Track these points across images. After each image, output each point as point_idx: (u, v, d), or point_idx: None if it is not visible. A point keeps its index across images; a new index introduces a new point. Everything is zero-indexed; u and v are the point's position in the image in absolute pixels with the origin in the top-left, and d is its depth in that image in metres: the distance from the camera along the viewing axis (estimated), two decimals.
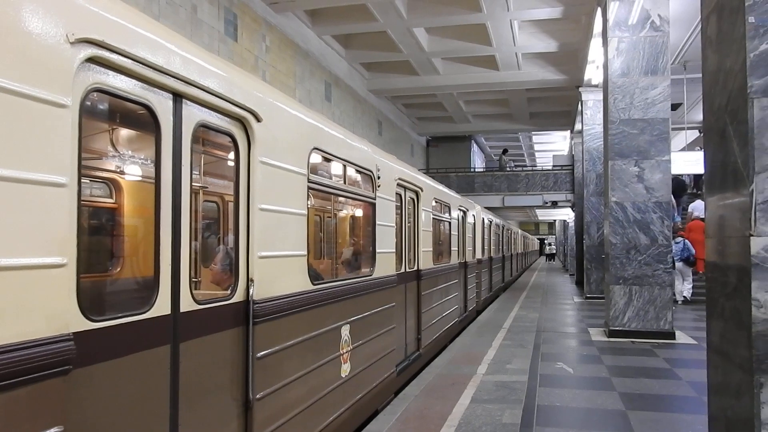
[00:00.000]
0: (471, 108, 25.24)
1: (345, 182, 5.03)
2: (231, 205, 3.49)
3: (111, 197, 4.30)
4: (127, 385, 2.48)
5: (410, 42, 16.54)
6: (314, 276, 4.29)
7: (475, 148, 34.18)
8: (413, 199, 7.78)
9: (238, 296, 3.29)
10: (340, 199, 6.09)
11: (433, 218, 8.66)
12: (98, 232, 4.29)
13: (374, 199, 5.74)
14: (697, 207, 15.12)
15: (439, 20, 15.32)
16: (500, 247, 19.55)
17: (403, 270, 7.13)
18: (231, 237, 3.46)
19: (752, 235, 2.91)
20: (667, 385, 6.77)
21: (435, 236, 8.98)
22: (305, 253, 4.06)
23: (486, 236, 15.38)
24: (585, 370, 7.59)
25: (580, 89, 17.82)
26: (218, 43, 11.56)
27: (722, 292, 3.33)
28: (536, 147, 38.69)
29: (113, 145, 3.82)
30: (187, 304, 2.83)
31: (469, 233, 12.53)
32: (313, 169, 4.29)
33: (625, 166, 9.75)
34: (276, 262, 3.64)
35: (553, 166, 28.96)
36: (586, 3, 13.15)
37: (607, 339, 9.67)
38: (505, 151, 30.25)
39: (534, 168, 35.40)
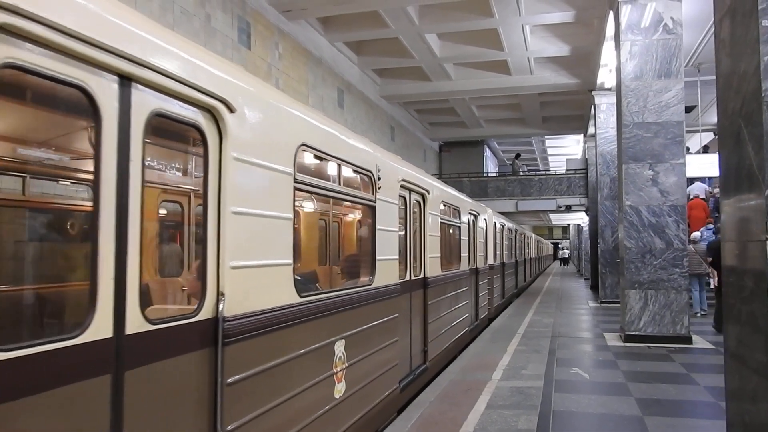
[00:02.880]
0: (483, 113, 25.21)
1: (340, 183, 4.56)
2: (199, 209, 3.06)
3: (25, 195, 3.84)
4: (51, 428, 2.05)
5: (422, 48, 16.58)
6: (302, 287, 3.88)
7: (488, 152, 34.10)
8: (419, 203, 7.30)
9: (206, 313, 2.84)
10: (335, 202, 5.78)
11: (441, 222, 8.25)
12: (9, 238, 3.80)
13: (374, 201, 5.28)
14: (694, 188, 15.72)
15: (450, 26, 15.36)
16: (513, 251, 19.12)
17: (408, 278, 6.70)
18: (197, 244, 3.14)
19: None
20: (684, 391, 6.71)
21: (443, 242, 8.60)
22: (291, 261, 3.60)
23: (498, 241, 14.93)
24: (601, 376, 7.53)
25: (593, 93, 17.74)
26: (232, 51, 11.68)
27: (739, 296, 3.31)
28: (549, 151, 38.53)
29: (38, 135, 3.40)
30: (135, 325, 2.39)
31: (480, 238, 12.04)
32: (302, 169, 3.85)
33: (639, 170, 9.69)
34: (254, 273, 3.20)
35: (567, 170, 28.80)
36: (598, 6, 13.11)
37: (622, 344, 9.60)
38: (517, 156, 30.17)
39: (547, 172, 35.26)
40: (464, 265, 9.94)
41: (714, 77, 3.80)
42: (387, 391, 5.56)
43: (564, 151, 36.28)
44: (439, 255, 7.99)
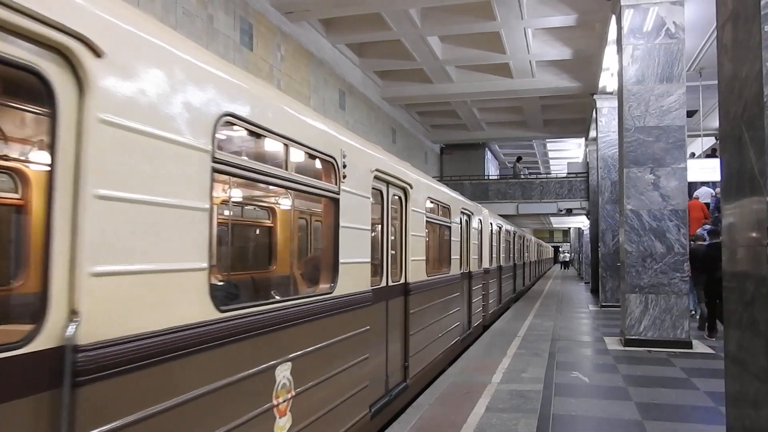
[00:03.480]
0: (485, 116, 25.23)
1: (287, 168, 3.65)
2: (43, 191, 2.25)
3: None
4: None
5: (424, 50, 16.60)
6: (226, 299, 3.24)
7: (489, 155, 34.14)
8: (400, 198, 6.39)
9: (45, 340, 1.96)
10: (283, 192, 4.92)
11: (428, 221, 7.40)
12: None
13: (337, 193, 4.42)
14: (701, 192, 15.85)
15: (452, 28, 15.37)
16: (511, 255, 18.61)
17: (384, 284, 5.77)
18: (37, 240, 2.26)
19: None
20: (684, 395, 6.70)
21: (430, 243, 7.91)
22: (206, 265, 2.76)
23: (495, 243, 14.34)
24: (601, 379, 7.53)
25: (595, 97, 17.75)
26: (234, 52, 11.69)
27: (740, 301, 3.30)
28: (550, 154, 38.57)
29: None
30: None
31: (474, 240, 11.25)
32: (226, 146, 3.14)
33: (641, 174, 9.69)
34: (137, 281, 2.34)
35: (568, 173, 28.82)
36: (600, 10, 13.12)
37: (623, 348, 9.59)
38: (519, 159, 30.21)
39: (548, 175, 35.26)
40: (455, 269, 9.21)
41: (716, 82, 3.80)
42: (352, 419, 4.69)
43: (565, 154, 36.31)
44: (425, 258, 7.17)
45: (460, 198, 10.23)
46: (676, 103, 9.67)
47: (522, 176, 28.34)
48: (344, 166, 4.51)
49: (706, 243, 10.92)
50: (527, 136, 29.09)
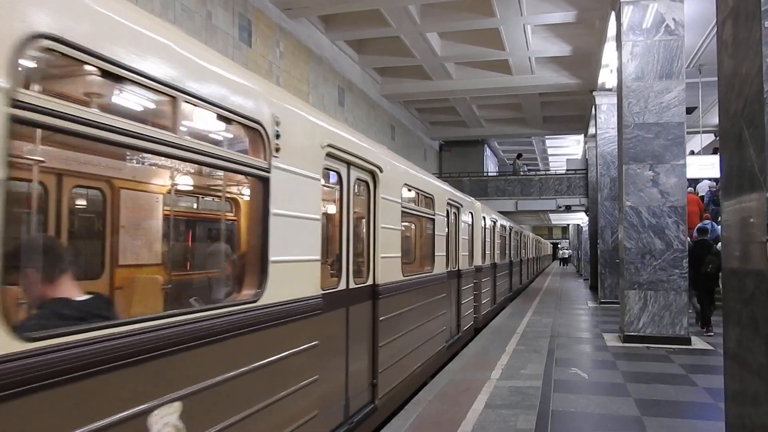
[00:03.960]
0: (484, 112, 25.22)
1: (175, 132, 2.59)
2: None
3: None
4: None
5: (423, 47, 16.58)
6: (40, 321, 2.28)
7: (488, 152, 34.13)
8: (366, 183, 5.33)
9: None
10: (167, 161, 3.58)
11: (404, 212, 6.31)
12: None
13: (266, 171, 3.37)
14: (701, 186, 16.06)
15: (452, 25, 15.36)
16: (507, 251, 17.71)
17: (342, 287, 4.74)
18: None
19: None
20: (682, 392, 6.71)
21: (409, 237, 7.11)
22: None
23: (489, 239, 13.46)
24: (600, 376, 7.54)
25: (594, 93, 17.75)
26: (233, 49, 11.67)
27: (739, 298, 3.31)
28: (550, 151, 38.57)
29: None
30: None
31: (464, 235, 10.32)
32: (43, 84, 2.11)
33: (640, 171, 9.69)
34: None
35: (567, 170, 28.83)
36: (599, 7, 13.11)
37: (621, 344, 9.60)
38: (519, 156, 30.22)
39: (547, 172, 35.28)
40: (440, 267, 8.16)
41: (715, 79, 3.80)
42: None
43: (564, 151, 36.32)
44: (399, 254, 6.10)
45: (447, 188, 9.22)
46: (676, 100, 9.66)
47: (521, 173, 28.34)
48: (277, 136, 3.47)
49: (693, 240, 11.06)
50: (526, 133, 29.10)
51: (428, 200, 7.69)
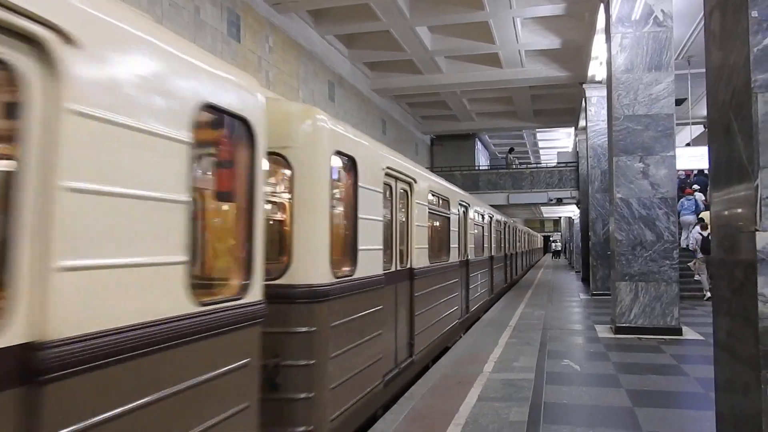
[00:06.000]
0: (475, 106, 25.22)
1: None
2: None
3: None
4: None
5: (413, 41, 16.54)
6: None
7: (479, 146, 34.17)
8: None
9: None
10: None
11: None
12: None
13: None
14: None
15: (442, 19, 15.32)
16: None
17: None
18: None
19: (758, 230, 2.90)
20: (674, 382, 6.76)
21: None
22: None
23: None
24: (592, 367, 7.57)
25: (584, 86, 17.78)
26: (221, 44, 11.59)
27: (728, 288, 3.32)
28: (540, 144, 38.66)
29: None
30: None
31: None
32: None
33: (630, 163, 9.72)
34: None
35: (558, 163, 28.95)
36: None
37: (613, 336, 9.65)
38: (511, 150, 30.31)
39: (538, 165, 35.38)
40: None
41: (704, 70, 3.80)
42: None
43: (555, 144, 36.41)
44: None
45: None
46: (665, 92, 9.69)
47: (513, 167, 28.41)
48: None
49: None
50: (517, 126, 29.14)
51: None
